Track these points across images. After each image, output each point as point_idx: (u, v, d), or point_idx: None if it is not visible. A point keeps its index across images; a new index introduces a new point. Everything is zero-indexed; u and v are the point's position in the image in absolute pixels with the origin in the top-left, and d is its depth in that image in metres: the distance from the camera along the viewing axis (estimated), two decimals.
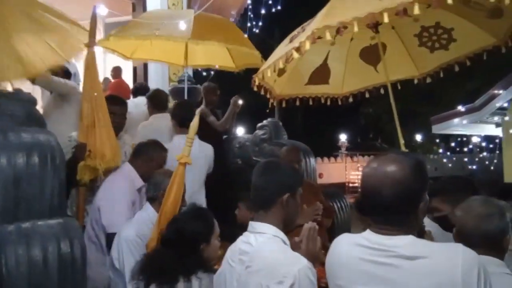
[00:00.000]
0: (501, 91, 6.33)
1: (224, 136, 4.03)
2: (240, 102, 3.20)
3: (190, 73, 4.52)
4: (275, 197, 1.38)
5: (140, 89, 4.31)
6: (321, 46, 2.65)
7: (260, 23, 6.25)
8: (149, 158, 2.36)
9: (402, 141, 2.56)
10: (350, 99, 3.12)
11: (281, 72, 2.43)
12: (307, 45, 2.01)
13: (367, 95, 3.21)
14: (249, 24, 5.99)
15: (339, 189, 6.60)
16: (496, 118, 6.85)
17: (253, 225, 1.40)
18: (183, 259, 1.66)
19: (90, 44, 2.47)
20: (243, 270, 1.33)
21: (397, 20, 2.37)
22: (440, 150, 9.24)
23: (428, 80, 2.96)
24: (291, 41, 2.29)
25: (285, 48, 2.26)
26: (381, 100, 13.21)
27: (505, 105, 6.49)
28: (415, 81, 3.06)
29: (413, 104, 12.37)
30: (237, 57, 3.81)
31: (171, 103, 3.83)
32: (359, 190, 1.24)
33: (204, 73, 5.61)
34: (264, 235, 1.35)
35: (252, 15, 6.28)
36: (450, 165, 11.19)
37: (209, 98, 3.79)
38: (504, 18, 2.39)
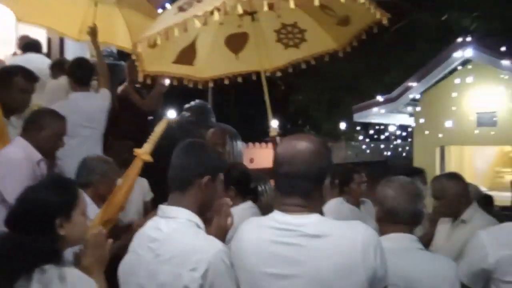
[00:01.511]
0: (414, 84, 6.90)
1: (150, 118, 3.85)
2: (167, 81, 3.07)
3: (113, 49, 4.21)
4: (193, 178, 1.31)
5: (32, 45, 3.72)
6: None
7: None
8: (39, 126, 2.08)
9: (272, 126, 2.79)
10: (211, 84, 3.10)
11: (153, 44, 2.34)
12: (196, 23, 1.95)
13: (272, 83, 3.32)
14: None
15: (267, 174, 6.76)
16: (409, 109, 7.47)
17: (164, 209, 1.31)
18: (27, 244, 1.22)
19: None
20: (152, 258, 1.24)
21: (263, 13, 2.47)
22: (360, 138, 9.88)
23: (278, 74, 3.12)
24: (180, 10, 2.19)
25: (173, 19, 2.15)
26: (309, 89, 13.74)
27: (417, 96, 7.11)
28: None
29: (338, 95, 13.02)
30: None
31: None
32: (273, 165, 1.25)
33: None
34: (177, 220, 1.27)
35: None
36: (368, 151, 12.08)
37: (132, 75, 3.57)
38: (349, 26, 2.68)
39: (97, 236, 1.37)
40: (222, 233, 1.34)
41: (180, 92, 3.00)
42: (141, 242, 1.31)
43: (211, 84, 3.10)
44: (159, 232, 1.26)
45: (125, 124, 3.28)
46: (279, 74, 3.11)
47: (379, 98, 7.45)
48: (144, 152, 1.95)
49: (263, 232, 1.19)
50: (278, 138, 2.97)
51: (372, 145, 12.70)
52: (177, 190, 1.31)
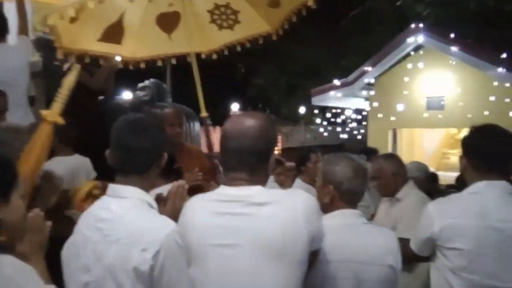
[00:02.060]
0: (369, 68, 7.09)
1: (101, 97, 3.66)
2: (118, 58, 2.90)
3: None
4: (153, 161, 1.26)
5: None
6: (118, 1, 2.53)
7: None
8: None
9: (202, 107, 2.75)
10: (142, 65, 2.96)
11: (73, 19, 2.19)
12: None
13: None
14: None
15: None
16: (364, 93, 7.69)
17: (115, 188, 1.25)
18: None
19: None
20: (100, 239, 1.18)
21: None
22: (318, 121, 10.10)
23: (214, 56, 3.02)
24: None
25: None
26: (269, 73, 13.77)
27: (372, 81, 7.32)
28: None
29: (297, 79, 13.15)
30: None
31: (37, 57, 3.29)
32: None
33: None
34: (128, 199, 1.22)
35: None
36: (325, 134, 12.39)
37: None
38: (280, 8, 2.63)
39: (34, 219, 1.25)
40: (176, 215, 1.30)
41: (136, 71, 2.83)
42: (88, 223, 1.24)
43: (142, 65, 2.91)
44: (108, 212, 1.21)
45: (73, 105, 3.09)
46: (215, 56, 3.01)
47: (336, 82, 7.59)
48: (52, 113, 1.75)
49: (208, 206, 1.23)
50: (208, 120, 2.95)
51: (329, 128, 13.04)
52: (133, 174, 1.24)
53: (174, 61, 2.92)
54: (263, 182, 1.24)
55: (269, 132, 1.25)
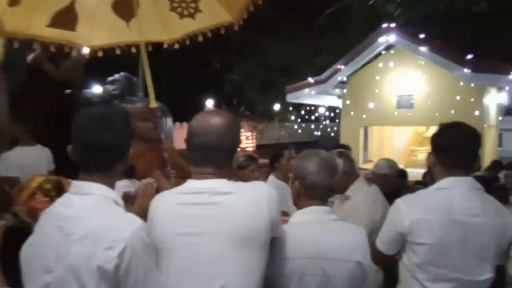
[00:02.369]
0: (342, 67, 7.19)
1: (68, 91, 3.53)
2: (85, 50, 2.79)
3: None
4: (118, 158, 1.21)
5: None
6: None
7: None
8: None
9: (153, 97, 2.67)
10: (100, 53, 2.87)
11: (12, 1, 2.08)
12: None
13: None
14: None
15: None
16: (337, 90, 7.80)
17: (78, 185, 1.19)
18: None
19: None
20: (62, 238, 1.12)
21: None
22: (292, 118, 10.18)
23: (176, 46, 2.97)
24: None
25: None
26: (243, 68, 13.73)
27: (345, 79, 7.44)
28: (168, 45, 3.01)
29: (272, 75, 13.19)
30: None
31: None
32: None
33: None
34: (92, 196, 1.17)
35: None
36: (300, 131, 12.51)
37: None
38: None
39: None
40: (144, 214, 1.29)
41: (106, 64, 2.73)
42: (49, 221, 1.18)
43: (100, 54, 2.82)
44: (70, 209, 1.15)
45: (37, 97, 2.96)
46: (177, 46, 2.93)
47: (310, 79, 7.66)
48: None
49: (176, 198, 1.26)
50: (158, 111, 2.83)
51: (303, 125, 13.17)
52: (97, 171, 1.19)
53: (134, 50, 2.82)
54: (228, 176, 1.29)
55: (234, 130, 1.31)
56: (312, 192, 1.49)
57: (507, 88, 6.29)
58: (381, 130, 8.31)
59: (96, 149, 1.17)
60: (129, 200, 1.30)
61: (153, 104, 2.59)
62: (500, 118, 7.71)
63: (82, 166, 1.20)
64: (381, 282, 2.31)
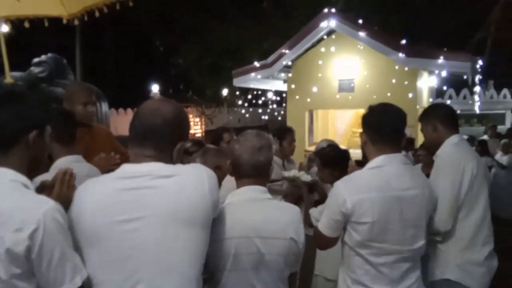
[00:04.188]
0: (287, 51, 7.27)
1: None
2: (3, 28, 2.56)
3: None
4: (18, 135, 1.16)
5: None
6: None
7: None
8: None
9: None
10: (76, 22, 2.85)
11: None
12: None
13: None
14: None
15: None
16: (283, 75, 7.89)
17: None
18: None
19: None
20: None
21: None
22: (240, 102, 10.19)
23: (76, 22, 2.96)
24: None
25: None
26: (190, 53, 13.42)
27: (290, 63, 7.54)
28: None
29: (220, 59, 13.03)
30: None
31: None
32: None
33: None
34: None
35: None
36: (247, 116, 12.56)
37: None
38: None
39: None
40: (63, 203, 1.22)
41: (40, 46, 2.54)
42: None
43: (75, 22, 2.74)
44: None
45: None
46: (76, 22, 2.85)
47: (256, 64, 7.67)
48: None
49: (110, 184, 1.20)
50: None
51: (251, 110, 13.23)
52: None
53: (27, 24, 2.67)
54: (167, 162, 1.26)
55: (182, 119, 1.31)
56: (240, 171, 1.52)
57: (436, 71, 6.73)
58: (325, 113, 8.58)
59: None
60: (45, 190, 1.24)
61: (9, 79, 2.46)
62: (431, 100, 8.27)
63: None
64: None
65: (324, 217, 1.75)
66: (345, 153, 2.77)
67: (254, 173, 1.51)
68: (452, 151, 2.02)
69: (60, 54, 3.83)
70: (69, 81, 3.18)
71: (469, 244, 1.97)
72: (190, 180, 1.23)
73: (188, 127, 1.36)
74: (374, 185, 1.65)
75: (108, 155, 2.24)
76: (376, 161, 1.72)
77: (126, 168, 1.23)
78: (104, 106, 3.21)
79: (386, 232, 1.63)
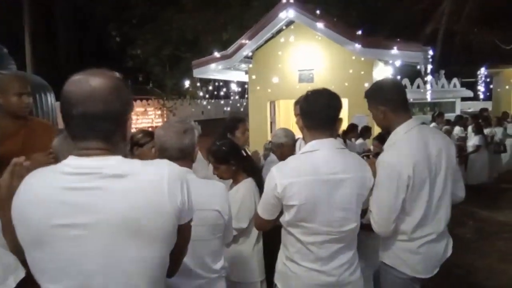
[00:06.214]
0: (247, 41, 7.23)
1: None
2: None
3: None
4: None
5: None
6: None
7: None
8: None
9: None
10: None
11: None
12: None
13: None
14: None
15: None
16: (244, 65, 7.86)
17: None
18: None
19: None
20: None
21: None
22: (201, 94, 10.05)
23: None
24: None
25: None
26: (148, 43, 13.03)
27: (250, 54, 7.51)
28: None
29: (179, 50, 12.76)
30: None
31: None
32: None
33: None
34: None
35: None
36: (209, 107, 12.43)
37: None
38: None
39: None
40: (11, 196, 1.11)
41: None
42: None
43: None
44: None
45: None
46: None
47: (216, 54, 7.58)
48: None
49: (53, 180, 1.05)
50: None
51: (212, 101, 13.11)
52: None
53: None
54: (121, 150, 1.12)
55: (121, 91, 1.10)
56: (164, 154, 1.67)
57: (391, 62, 6.95)
58: (286, 104, 8.65)
59: None
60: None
61: None
62: None
63: None
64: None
65: (261, 201, 1.87)
66: (236, 145, 2.66)
67: (179, 155, 1.67)
68: (393, 154, 1.88)
69: (8, 43, 3.57)
70: (10, 71, 2.96)
71: (410, 236, 1.92)
72: (144, 181, 1.06)
73: (129, 93, 1.16)
74: (303, 169, 1.72)
75: (41, 153, 2.05)
76: (309, 145, 1.78)
77: (72, 162, 1.07)
78: (50, 98, 3.00)
79: (314, 214, 1.70)
